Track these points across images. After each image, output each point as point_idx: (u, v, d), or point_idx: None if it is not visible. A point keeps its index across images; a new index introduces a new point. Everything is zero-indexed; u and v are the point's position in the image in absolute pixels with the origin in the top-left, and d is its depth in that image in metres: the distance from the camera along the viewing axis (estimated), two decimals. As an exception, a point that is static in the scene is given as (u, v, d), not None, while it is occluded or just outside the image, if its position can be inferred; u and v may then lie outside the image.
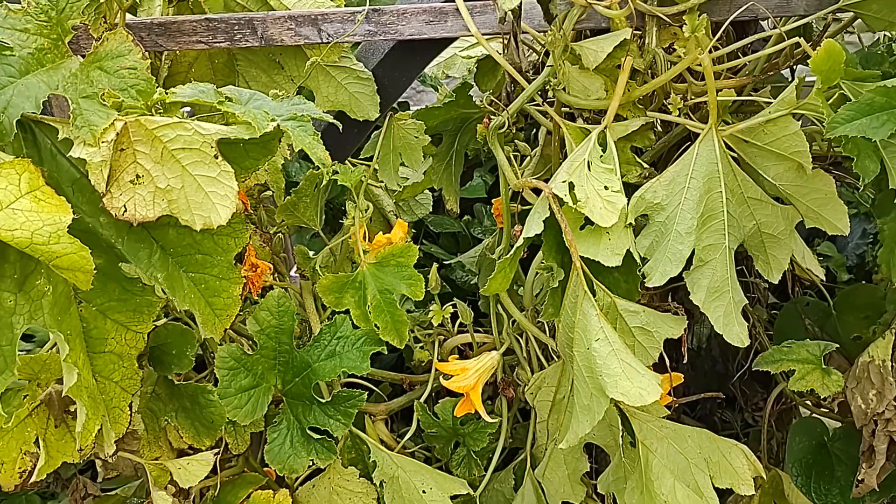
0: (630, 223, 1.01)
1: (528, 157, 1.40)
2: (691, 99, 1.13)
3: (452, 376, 1.19)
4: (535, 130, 1.55)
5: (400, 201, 1.61)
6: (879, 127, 0.84)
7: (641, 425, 1.07)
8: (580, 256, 0.99)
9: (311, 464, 1.14)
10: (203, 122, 0.83)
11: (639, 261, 1.01)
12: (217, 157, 0.83)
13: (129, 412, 0.97)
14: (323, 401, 1.12)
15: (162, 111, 0.87)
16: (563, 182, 0.99)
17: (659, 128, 1.16)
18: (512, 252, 1.02)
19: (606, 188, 1.00)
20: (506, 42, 1.13)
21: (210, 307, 0.94)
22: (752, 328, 1.71)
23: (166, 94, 0.87)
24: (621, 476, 1.12)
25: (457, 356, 1.32)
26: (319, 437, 1.12)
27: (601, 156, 1.04)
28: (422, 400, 1.32)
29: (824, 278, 1.15)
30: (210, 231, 0.89)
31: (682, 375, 1.21)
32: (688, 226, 1.01)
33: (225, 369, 1.09)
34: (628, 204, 1.02)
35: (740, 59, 1.12)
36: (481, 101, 1.28)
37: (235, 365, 1.10)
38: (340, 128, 1.07)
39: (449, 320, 1.37)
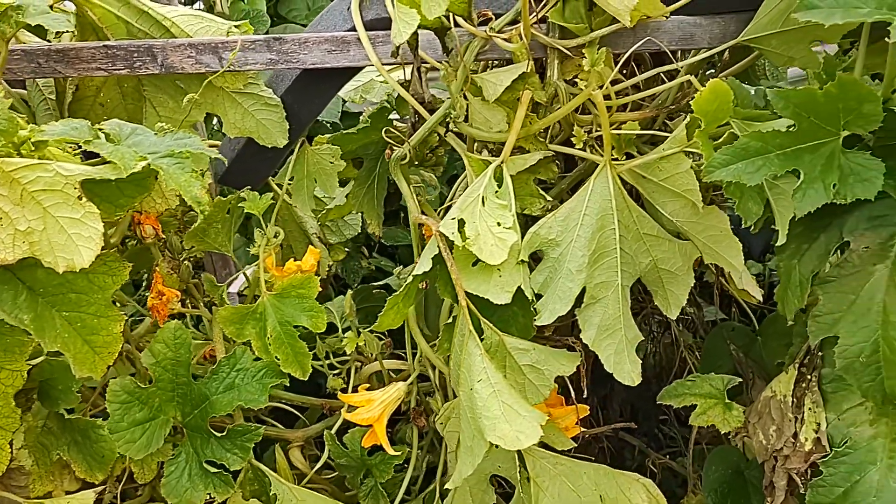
0: (523, 260, 1.00)
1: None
2: (596, 131, 1.12)
3: (358, 407, 1.18)
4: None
5: (328, 222, 1.60)
6: (754, 172, 0.83)
7: (535, 462, 1.06)
8: (469, 294, 0.98)
9: (209, 497, 1.12)
10: (66, 163, 0.81)
11: (531, 297, 1.00)
12: (81, 199, 0.81)
13: (8, 450, 0.95)
14: (219, 434, 1.11)
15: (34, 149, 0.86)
16: (453, 219, 0.98)
17: (560, 161, 1.15)
18: (404, 288, 1.01)
19: (499, 224, 0.99)
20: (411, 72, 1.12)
21: (89, 345, 0.93)
22: (680, 353, 1.72)
23: (38, 131, 0.86)
24: (520, 511, 1.11)
25: (368, 385, 1.30)
26: (216, 470, 1.11)
27: (496, 191, 1.03)
28: (334, 427, 1.31)
29: (762, 299, 1.14)
30: (83, 270, 0.88)
31: (588, 407, 1.20)
32: (579, 263, 1.00)
33: (117, 403, 1.07)
34: (523, 239, 1.01)
35: (644, 91, 1.11)
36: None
37: (128, 398, 1.08)
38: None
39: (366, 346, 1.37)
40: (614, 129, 1.10)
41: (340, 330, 1.38)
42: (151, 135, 0.92)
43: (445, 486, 0.98)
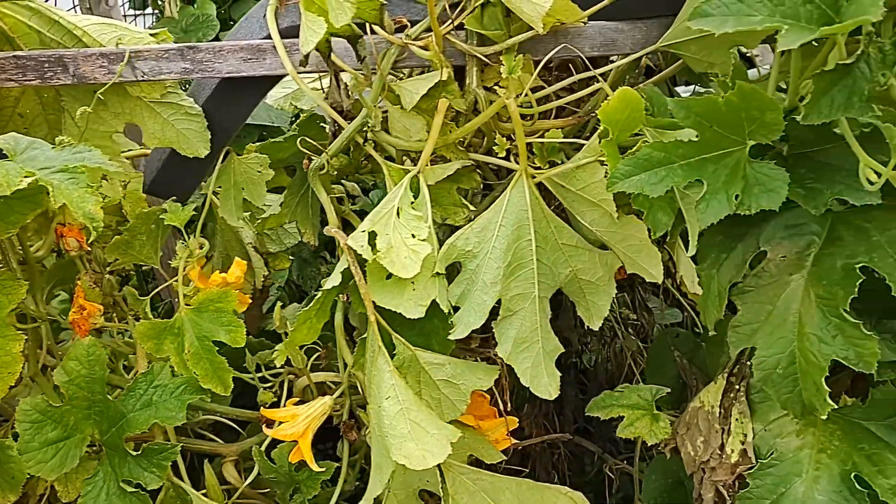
0: (438, 272, 0.98)
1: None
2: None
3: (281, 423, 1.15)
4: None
5: (268, 230, 1.58)
6: (657, 183, 0.81)
7: (454, 478, 1.04)
8: (382, 308, 0.96)
9: (127, 517, 1.10)
10: (-55, 180, 0.79)
11: (446, 310, 0.98)
12: (-37, 216, 0.79)
13: None
14: (135, 453, 1.08)
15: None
16: (364, 231, 0.95)
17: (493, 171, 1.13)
18: (315, 302, 0.98)
19: (414, 236, 0.97)
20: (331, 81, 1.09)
21: (-14, 365, 0.90)
22: (621, 359, 1.70)
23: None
24: (444, 528, 1.09)
25: (297, 399, 1.28)
26: (134, 490, 1.08)
27: (412, 202, 1.01)
28: (265, 442, 1.28)
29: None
30: (-26, 288, 0.85)
31: (517, 419, 1.18)
32: (493, 275, 0.98)
33: (27, 423, 1.04)
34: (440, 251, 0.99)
35: (565, 98, 1.09)
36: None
37: (40, 418, 1.06)
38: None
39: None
40: (538, 137, 1.08)
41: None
42: (48, 148, 0.90)
43: (359, 505, 0.96)
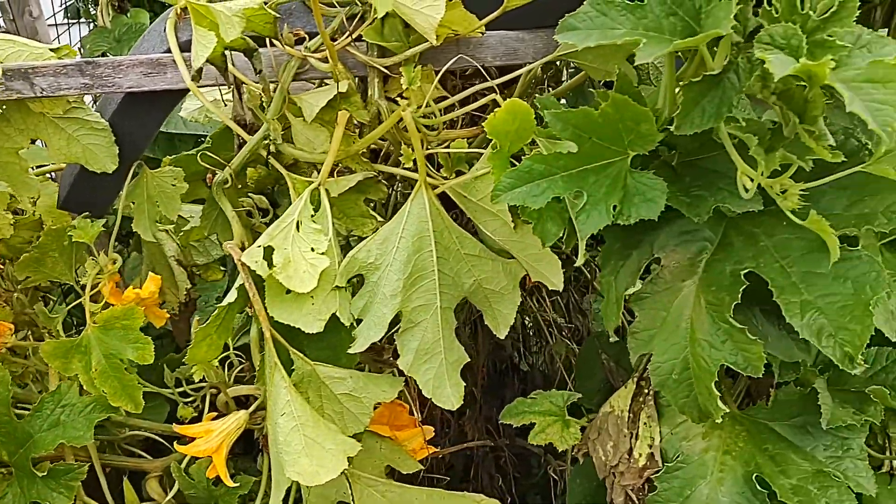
0: (338, 286, 0.98)
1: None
2: (426, 149, 1.10)
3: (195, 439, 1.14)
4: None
5: (194, 242, 1.56)
6: (539, 195, 0.82)
7: (362, 490, 1.04)
8: (278, 323, 0.95)
9: (37, 538, 1.08)
10: None
11: (347, 323, 0.98)
12: None
13: None
14: (42, 475, 1.07)
15: None
16: (259, 247, 0.95)
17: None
18: (213, 318, 0.97)
19: (313, 249, 0.97)
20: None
21: None
22: (554, 365, 1.72)
23: None
24: (358, 540, 1.09)
25: (216, 414, 1.27)
26: (42, 511, 1.07)
27: (313, 215, 1.01)
28: (187, 458, 1.27)
29: None
30: None
31: (433, 428, 1.18)
32: (393, 287, 0.98)
33: (-72, 446, 1.03)
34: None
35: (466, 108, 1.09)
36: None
37: (-58, 440, 1.04)
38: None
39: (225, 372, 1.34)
40: (443, 147, 1.08)
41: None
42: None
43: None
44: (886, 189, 0.83)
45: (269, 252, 0.95)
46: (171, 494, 1.26)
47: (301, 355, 0.96)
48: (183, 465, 1.28)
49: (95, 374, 1.09)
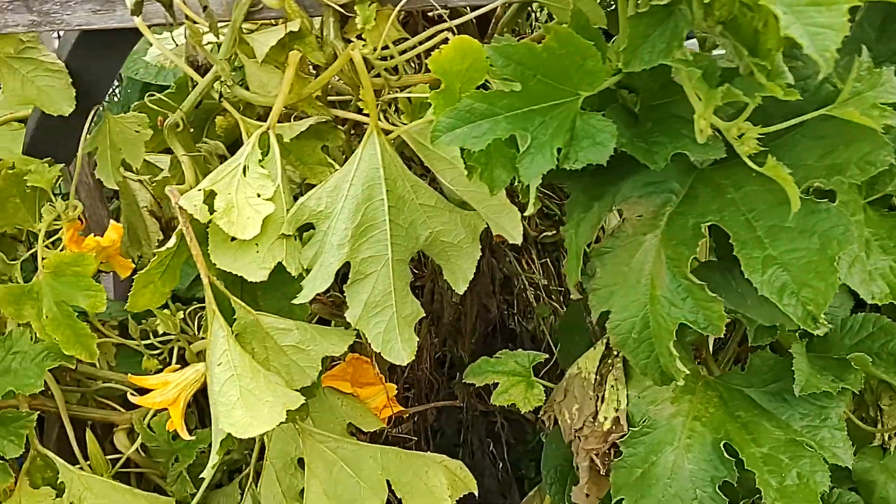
0: (285, 234, 0.93)
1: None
2: (387, 94, 1.05)
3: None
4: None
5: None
6: (480, 136, 0.76)
7: (312, 446, 1.01)
8: (227, 272, 0.92)
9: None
10: None
11: (294, 273, 0.93)
12: None
13: None
14: (-10, 422, 1.05)
15: None
16: (200, 191, 0.91)
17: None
18: (153, 263, 0.94)
19: (259, 195, 0.93)
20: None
21: None
22: (536, 326, 1.67)
23: None
24: (309, 497, 1.06)
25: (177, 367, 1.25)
26: (-6, 458, 1.06)
27: (261, 160, 0.96)
28: (149, 413, 1.25)
29: None
30: None
31: (395, 386, 1.15)
32: (341, 237, 0.93)
33: None
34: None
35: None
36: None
37: None
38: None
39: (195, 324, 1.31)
40: (405, 93, 1.03)
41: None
42: None
43: (200, 475, 0.93)
44: (862, 138, 0.76)
45: (211, 197, 0.91)
46: (134, 446, 1.24)
47: (243, 304, 0.92)
48: (148, 419, 1.26)
49: (47, 321, 1.06)
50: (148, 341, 1.31)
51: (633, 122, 0.84)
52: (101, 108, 1.20)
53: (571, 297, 1.73)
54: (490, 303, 1.63)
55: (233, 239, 0.92)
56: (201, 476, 0.92)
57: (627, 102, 0.86)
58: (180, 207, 0.90)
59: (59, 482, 1.11)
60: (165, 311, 1.26)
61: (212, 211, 0.90)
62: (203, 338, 1.30)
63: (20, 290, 1.07)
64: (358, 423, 1.12)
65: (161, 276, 0.95)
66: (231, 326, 0.91)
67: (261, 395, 0.86)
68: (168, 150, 1.40)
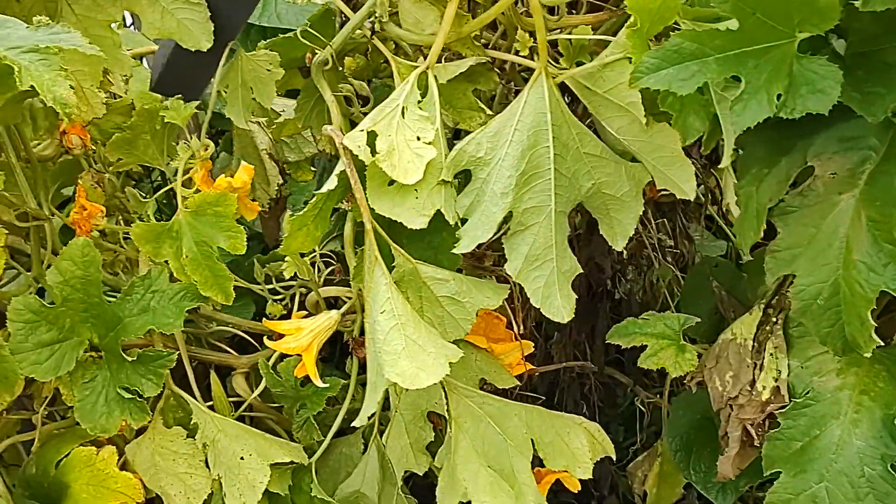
0: (445, 180, 0.89)
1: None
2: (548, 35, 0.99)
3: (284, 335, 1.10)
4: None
5: (287, 138, 1.50)
6: (688, 79, 0.71)
7: (459, 401, 0.98)
8: (383, 217, 0.88)
9: (125, 423, 1.07)
10: None
11: (452, 222, 0.90)
12: (-79, 96, 0.73)
13: None
14: (131, 360, 1.04)
15: None
16: (362, 131, 0.87)
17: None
18: (310, 206, 0.91)
19: (419, 138, 0.88)
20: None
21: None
22: (657, 289, 1.61)
23: None
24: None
25: (305, 313, 1.23)
26: (131, 396, 1.05)
27: (420, 101, 0.92)
28: (275, 356, 1.23)
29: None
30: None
31: (532, 343, 1.11)
32: (505, 185, 0.89)
33: (20, 322, 1.01)
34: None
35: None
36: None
37: (34, 318, 1.02)
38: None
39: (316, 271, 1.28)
40: (565, 34, 0.97)
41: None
42: (23, 28, 0.83)
43: (352, 424, 0.91)
44: None
45: (371, 138, 0.87)
46: (257, 391, 1.23)
47: (403, 252, 0.89)
48: (270, 363, 1.24)
49: (186, 260, 1.04)
50: (270, 286, 1.29)
51: (843, 70, 0.77)
52: (234, 46, 1.17)
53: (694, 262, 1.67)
54: (604, 262, 1.57)
55: (390, 184, 0.89)
56: (354, 424, 0.89)
57: (835, 47, 0.79)
58: (344, 148, 0.86)
59: (191, 423, 1.10)
60: (289, 257, 1.24)
61: (373, 153, 0.86)
62: (323, 286, 1.28)
63: (160, 228, 1.06)
64: (492, 379, 1.09)
65: (314, 219, 0.92)
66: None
67: (424, 346, 0.82)
68: (289, 94, 1.38)
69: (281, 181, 1.40)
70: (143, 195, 1.19)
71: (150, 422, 1.09)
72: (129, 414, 1.06)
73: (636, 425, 1.95)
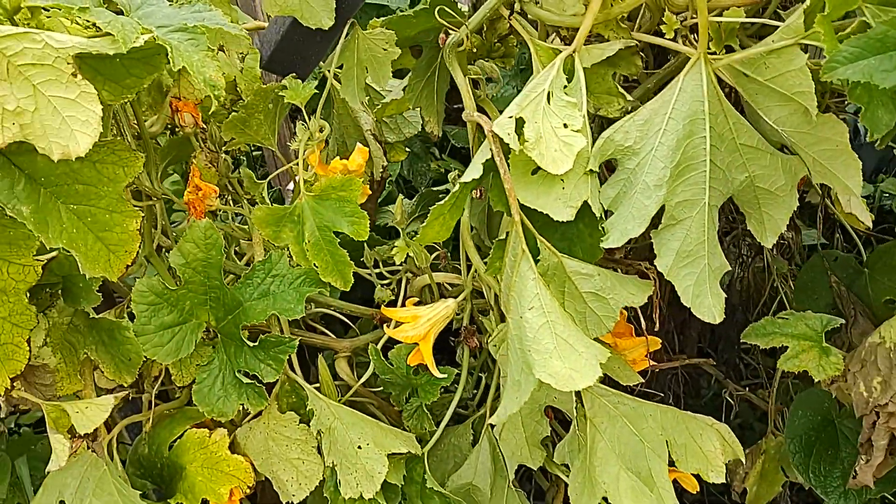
0: (591, 169, 0.85)
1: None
2: (692, 18, 0.94)
3: (402, 323, 1.07)
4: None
5: (386, 118, 1.47)
6: (892, 70, 0.65)
7: (594, 400, 0.94)
8: (525, 207, 0.84)
9: (242, 408, 1.06)
10: (58, 34, 0.70)
11: (598, 214, 0.85)
12: (76, 76, 0.70)
13: (26, 348, 0.89)
14: (252, 344, 1.03)
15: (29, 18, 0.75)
16: (511, 118, 0.83)
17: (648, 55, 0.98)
18: (450, 197, 0.87)
19: (566, 126, 0.84)
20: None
21: (102, 243, 0.84)
22: (771, 282, 1.54)
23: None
24: (574, 449, 1.00)
25: (416, 300, 1.20)
26: (250, 381, 1.04)
27: (565, 86, 0.87)
28: (381, 341, 1.21)
29: (871, 225, 0.96)
30: (89, 158, 0.78)
31: (659, 341, 1.07)
32: (658, 177, 0.84)
33: (144, 304, 1.00)
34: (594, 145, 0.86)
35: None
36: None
37: (156, 300, 1.01)
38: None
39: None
40: (714, 16, 0.92)
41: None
42: (166, 5, 0.80)
43: (489, 422, 0.88)
44: None
45: (519, 125, 0.83)
46: (364, 377, 1.21)
47: (549, 245, 0.85)
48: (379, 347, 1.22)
49: (308, 245, 1.02)
50: (377, 270, 1.26)
51: None
52: (352, 24, 1.13)
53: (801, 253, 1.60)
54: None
55: (533, 173, 0.85)
56: (491, 422, 0.86)
57: None
58: (494, 135, 0.82)
59: (306, 410, 1.08)
60: (399, 242, 1.21)
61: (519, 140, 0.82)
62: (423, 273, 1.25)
63: (281, 211, 1.03)
64: (615, 375, 1.05)
65: (451, 208, 0.89)
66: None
67: (575, 345, 0.79)
68: (394, 73, 1.34)
69: (385, 162, 1.37)
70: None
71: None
72: (247, 398, 1.04)
73: (720, 417, 1.90)
